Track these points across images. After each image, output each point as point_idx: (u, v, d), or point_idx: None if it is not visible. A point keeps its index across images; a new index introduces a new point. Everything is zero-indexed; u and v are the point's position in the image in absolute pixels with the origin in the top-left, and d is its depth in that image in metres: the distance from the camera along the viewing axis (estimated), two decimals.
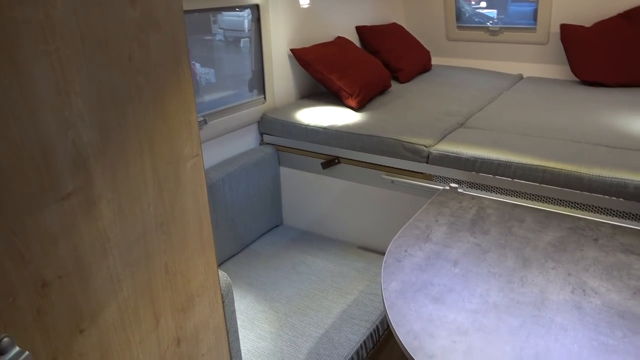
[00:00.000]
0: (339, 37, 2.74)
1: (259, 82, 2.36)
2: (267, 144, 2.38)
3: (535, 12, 3.08)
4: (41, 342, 0.67)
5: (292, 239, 2.34)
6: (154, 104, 0.91)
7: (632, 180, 1.57)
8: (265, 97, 2.38)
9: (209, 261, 1.22)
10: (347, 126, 2.14)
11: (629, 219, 1.62)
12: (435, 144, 1.96)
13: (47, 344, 0.68)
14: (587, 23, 2.92)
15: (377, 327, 1.78)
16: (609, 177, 1.60)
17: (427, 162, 1.94)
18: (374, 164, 2.09)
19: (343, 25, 2.91)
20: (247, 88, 2.34)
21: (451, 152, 1.87)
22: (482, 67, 3.40)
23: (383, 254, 2.19)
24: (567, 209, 1.70)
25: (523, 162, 1.74)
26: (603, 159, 1.72)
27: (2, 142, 0.61)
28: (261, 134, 2.39)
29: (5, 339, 0.59)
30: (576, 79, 2.96)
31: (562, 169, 1.68)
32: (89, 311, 0.77)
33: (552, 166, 1.69)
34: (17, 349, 0.61)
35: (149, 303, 0.95)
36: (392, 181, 2.05)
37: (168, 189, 0.98)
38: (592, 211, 1.66)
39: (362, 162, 2.11)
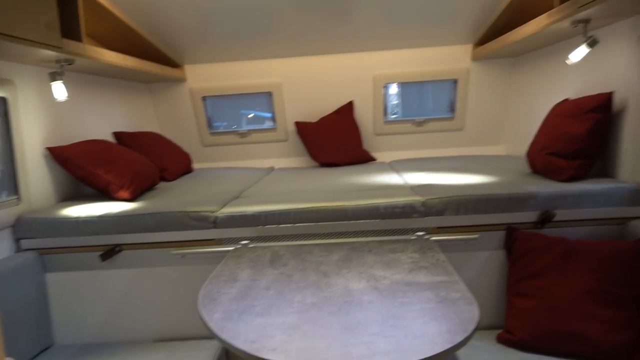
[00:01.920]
0: (97, 140, 2.68)
1: (10, 183, 2.08)
2: (26, 249, 2.06)
3: (274, 115, 3.67)
4: None
5: (72, 356, 1.98)
6: None
7: (380, 202, 1.98)
8: (19, 198, 2.10)
9: None
10: (125, 211, 2.06)
11: (385, 235, 1.99)
12: (220, 209, 2.06)
13: None
14: (314, 119, 3.62)
15: None
16: (364, 204, 1.98)
17: (215, 227, 2.00)
18: (160, 242, 2.03)
19: (100, 130, 2.87)
20: None
21: (236, 212, 2.00)
22: (238, 166, 3.76)
23: (185, 339, 2.06)
24: (342, 238, 1.99)
25: (299, 207, 1.99)
26: (355, 196, 2.12)
27: None
28: (17, 240, 2.06)
29: None
30: (316, 163, 3.56)
31: (330, 206, 1.99)
32: None
33: (322, 206, 1.99)
34: None
35: None
36: (183, 255, 2.02)
37: None
38: (360, 236, 1.99)
39: (148, 243, 2.03)
